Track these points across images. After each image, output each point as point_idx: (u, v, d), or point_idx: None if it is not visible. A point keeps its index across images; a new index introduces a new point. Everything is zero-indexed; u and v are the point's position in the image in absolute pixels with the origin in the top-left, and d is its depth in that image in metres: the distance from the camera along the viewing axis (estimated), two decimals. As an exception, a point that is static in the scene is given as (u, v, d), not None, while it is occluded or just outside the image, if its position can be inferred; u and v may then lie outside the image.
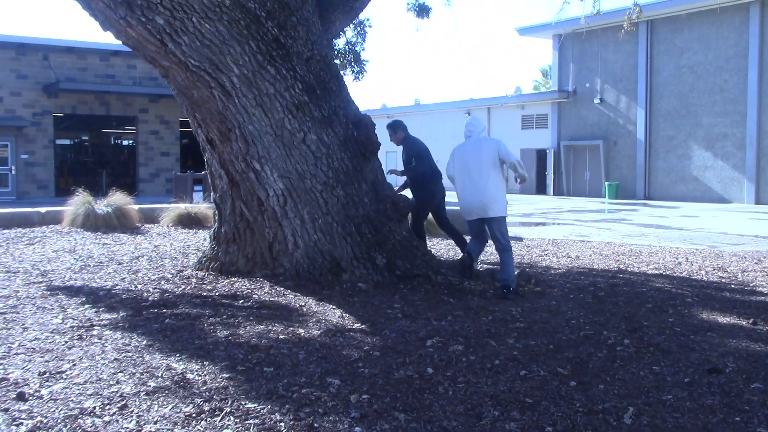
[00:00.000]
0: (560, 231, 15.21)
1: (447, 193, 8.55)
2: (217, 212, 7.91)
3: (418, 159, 8.35)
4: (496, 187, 6.87)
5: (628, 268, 8.96)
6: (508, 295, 6.61)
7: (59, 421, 3.45)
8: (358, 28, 13.15)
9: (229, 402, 3.72)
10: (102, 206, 12.84)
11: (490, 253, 10.53)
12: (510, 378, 4.20)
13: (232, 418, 3.50)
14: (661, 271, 8.73)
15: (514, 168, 6.94)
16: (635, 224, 17.50)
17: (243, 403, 3.71)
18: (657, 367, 4.48)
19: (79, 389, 3.90)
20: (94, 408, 3.61)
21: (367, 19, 13.22)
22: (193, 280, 7.33)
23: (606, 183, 31.86)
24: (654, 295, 6.95)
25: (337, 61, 11.81)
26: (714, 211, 22.84)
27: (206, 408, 3.62)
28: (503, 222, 6.99)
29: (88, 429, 3.36)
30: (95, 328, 5.30)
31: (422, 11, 12.77)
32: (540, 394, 3.92)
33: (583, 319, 5.79)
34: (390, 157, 44.28)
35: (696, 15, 29.28)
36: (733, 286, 7.72)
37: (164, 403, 3.70)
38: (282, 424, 3.45)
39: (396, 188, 8.18)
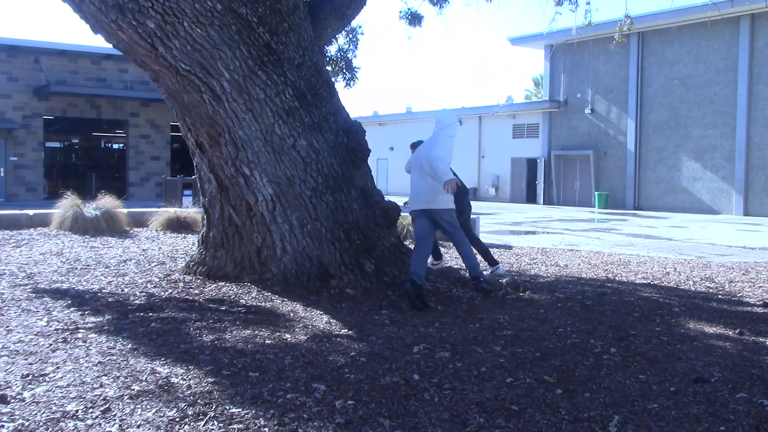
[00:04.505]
0: (549, 240, 15.24)
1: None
2: (205, 217, 7.88)
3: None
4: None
5: (617, 278, 8.98)
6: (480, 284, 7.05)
7: (41, 424, 3.42)
8: (351, 36, 13.10)
9: (214, 406, 3.69)
10: (91, 209, 12.77)
11: (478, 261, 10.54)
12: (496, 385, 4.19)
13: (216, 423, 3.48)
14: (649, 281, 8.75)
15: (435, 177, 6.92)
16: (624, 234, 17.56)
17: (227, 407, 3.69)
18: (643, 375, 4.48)
19: (62, 392, 3.87)
20: (77, 411, 3.58)
21: (360, 27, 13.16)
22: (181, 284, 7.30)
23: (596, 193, 31.99)
24: (641, 304, 6.96)
25: (328, 68, 11.79)
26: (703, 222, 22.94)
27: (190, 412, 3.60)
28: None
29: (70, 432, 3.33)
30: (80, 331, 5.27)
31: (414, 19, 12.76)
32: (526, 402, 3.92)
33: (571, 327, 5.79)
34: (381, 164, 44.38)
35: (686, 28, 29.48)
36: (720, 296, 7.75)
37: (148, 407, 3.67)
38: (266, 429, 3.43)
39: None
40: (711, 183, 28.98)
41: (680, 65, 29.95)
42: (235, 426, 3.45)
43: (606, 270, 9.76)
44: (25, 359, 4.50)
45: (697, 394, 4.13)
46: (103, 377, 4.15)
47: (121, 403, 3.71)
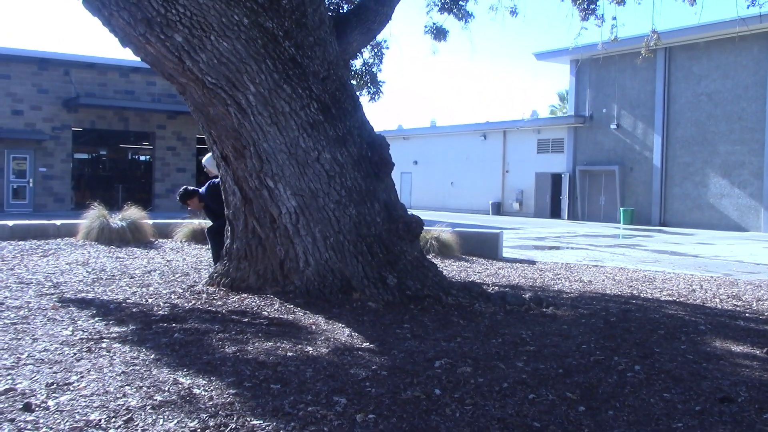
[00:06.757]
0: (574, 255, 15.13)
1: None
2: (229, 228, 7.93)
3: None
4: None
5: (641, 294, 8.88)
6: None
7: (64, 432, 3.45)
8: (376, 50, 13.19)
9: (235, 418, 3.70)
10: (117, 220, 12.92)
11: (501, 275, 10.50)
12: (518, 401, 4.16)
13: (236, 435, 3.49)
14: (675, 298, 8.65)
15: None
16: (650, 250, 17.39)
17: (248, 419, 3.69)
18: (668, 394, 4.42)
19: (85, 401, 3.90)
20: (100, 420, 3.61)
21: (385, 41, 13.24)
22: (204, 295, 7.34)
23: (621, 208, 31.76)
24: (666, 321, 6.88)
25: (353, 82, 11.87)
26: (730, 239, 22.65)
27: (211, 423, 3.61)
28: None
29: (93, 441, 3.36)
30: (104, 340, 5.31)
31: (439, 34, 12.83)
32: (548, 419, 3.88)
33: (594, 344, 5.73)
34: (404, 178, 44.42)
35: (714, 43, 29.26)
36: (747, 314, 7.63)
37: (170, 417, 3.69)
38: (286, 441, 3.43)
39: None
40: (738, 200, 28.64)
41: (708, 81, 29.71)
42: (255, 438, 3.45)
43: (631, 286, 9.66)
44: (50, 368, 4.55)
45: (723, 414, 4.06)
46: (126, 387, 4.17)
47: (143, 413, 3.73)
